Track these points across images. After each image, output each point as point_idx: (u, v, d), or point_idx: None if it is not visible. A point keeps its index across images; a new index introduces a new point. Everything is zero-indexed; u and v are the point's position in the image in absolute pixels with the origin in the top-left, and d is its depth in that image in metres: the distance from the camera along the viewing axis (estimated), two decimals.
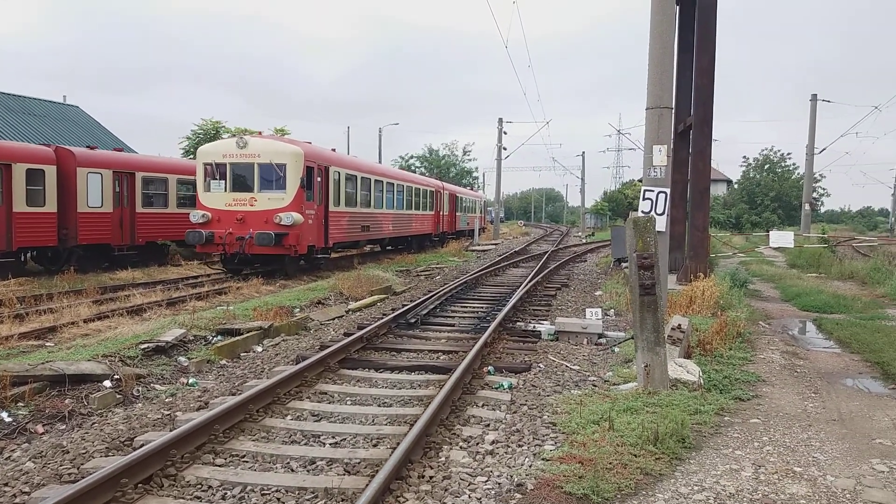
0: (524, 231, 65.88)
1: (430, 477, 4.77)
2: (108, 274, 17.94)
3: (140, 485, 4.53)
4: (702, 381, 6.79)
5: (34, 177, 16.86)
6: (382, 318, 10.78)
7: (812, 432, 5.73)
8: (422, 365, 8.14)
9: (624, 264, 17.93)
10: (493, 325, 9.82)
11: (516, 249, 32.07)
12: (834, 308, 12.79)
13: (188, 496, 4.52)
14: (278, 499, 4.49)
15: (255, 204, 17.25)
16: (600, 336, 9.77)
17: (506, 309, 11.35)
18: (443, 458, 5.13)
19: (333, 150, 21.69)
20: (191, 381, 7.76)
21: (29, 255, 18.40)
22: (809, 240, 29.33)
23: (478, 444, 5.47)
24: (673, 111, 10.60)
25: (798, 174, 66.59)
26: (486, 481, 4.67)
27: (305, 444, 5.54)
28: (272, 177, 17.27)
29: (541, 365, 8.26)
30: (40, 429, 6.01)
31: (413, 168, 74.27)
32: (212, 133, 36.20)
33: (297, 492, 4.57)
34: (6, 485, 4.69)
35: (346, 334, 9.86)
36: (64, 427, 6.12)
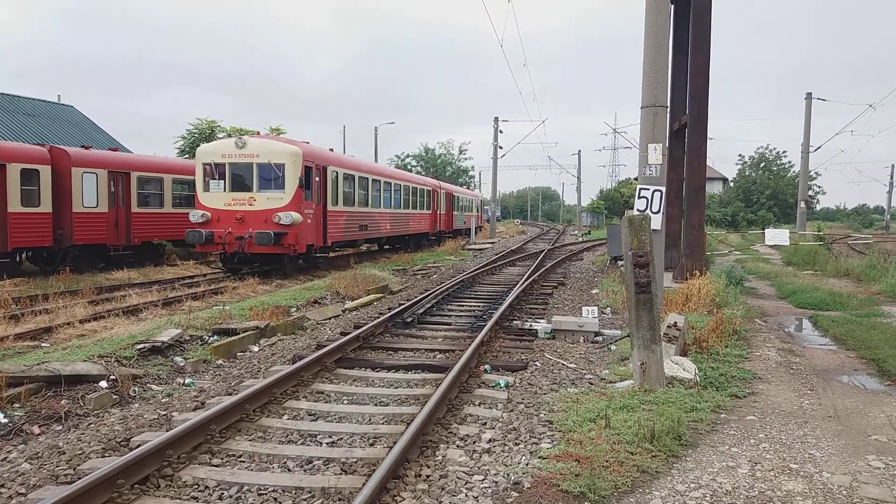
0: (521, 230, 65.92)
1: (427, 476, 4.77)
2: (103, 274, 17.91)
3: (136, 485, 4.53)
4: (698, 378, 6.81)
5: (29, 177, 16.80)
6: (379, 318, 10.77)
7: (808, 429, 5.75)
8: (418, 364, 8.14)
9: (620, 262, 17.94)
10: (489, 323, 9.82)
11: (513, 248, 32.08)
12: (830, 305, 12.83)
13: (185, 497, 4.51)
14: (275, 499, 4.49)
15: (254, 203, 17.33)
16: (597, 334, 9.78)
17: (502, 307, 11.36)
18: (440, 457, 5.13)
19: (331, 149, 21.75)
20: (187, 381, 7.75)
21: (24, 255, 18.35)
22: (805, 237, 29.41)
23: (475, 442, 5.47)
24: (668, 110, 10.61)
25: (794, 172, 66.72)
26: (483, 480, 4.68)
27: (302, 443, 5.54)
28: (271, 176, 17.37)
29: (537, 363, 8.27)
30: (36, 430, 6.00)
31: (409, 167, 74.26)
32: (207, 132, 36.12)
33: (293, 491, 4.57)
34: (2, 486, 4.67)
35: (343, 333, 9.85)
36: (60, 428, 6.11)
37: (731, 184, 76.98)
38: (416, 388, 7.20)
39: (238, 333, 9.84)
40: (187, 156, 34.82)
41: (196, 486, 4.65)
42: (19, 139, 25.70)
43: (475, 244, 37.13)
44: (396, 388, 7.26)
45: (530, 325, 10.37)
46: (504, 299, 12.78)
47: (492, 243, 38.83)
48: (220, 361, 8.80)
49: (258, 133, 20.41)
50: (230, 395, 6.80)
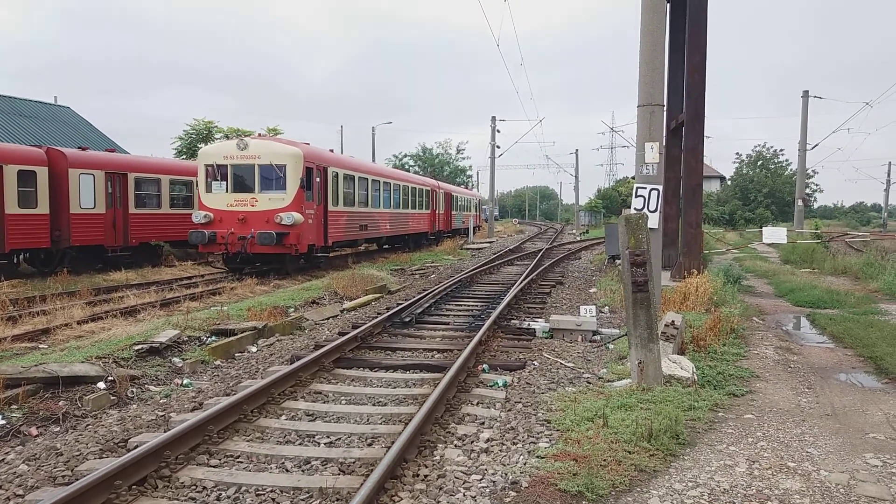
0: (519, 229, 65.95)
1: (425, 476, 4.77)
2: (101, 275, 17.89)
3: (134, 486, 4.52)
4: (696, 377, 6.82)
5: (26, 178, 16.77)
6: (377, 318, 10.77)
7: (806, 427, 5.75)
8: (416, 363, 8.14)
9: (618, 261, 17.95)
10: (487, 323, 9.82)
11: (511, 247, 32.10)
12: (827, 303, 12.85)
13: (183, 497, 4.51)
14: (273, 499, 4.48)
15: (255, 204, 17.48)
16: (595, 333, 9.78)
17: (500, 307, 11.36)
18: (438, 457, 5.13)
19: (331, 150, 21.85)
20: (185, 381, 7.74)
21: (21, 256, 18.30)
22: (803, 235, 29.46)
23: (472, 442, 5.47)
24: (665, 108, 10.62)
25: (791, 170, 66.85)
26: (481, 479, 4.68)
27: (300, 443, 5.54)
28: (272, 177, 17.53)
29: (535, 362, 8.27)
30: (34, 431, 5.99)
31: (407, 167, 74.28)
32: (204, 133, 36.10)
33: (291, 492, 4.56)
34: (0, 488, 4.67)
35: (341, 333, 9.85)
36: (58, 429, 6.10)
37: (729, 182, 77.09)
38: (415, 387, 7.20)
39: (236, 334, 9.83)
40: (185, 156, 34.80)
41: (194, 487, 4.65)
42: (16, 141, 25.64)
43: (473, 244, 37.14)
44: (394, 387, 7.26)
45: (528, 325, 10.37)
46: (502, 299, 12.78)
47: (490, 243, 38.84)
48: (218, 362, 8.80)
49: (260, 134, 20.62)
50: (228, 395, 6.79)
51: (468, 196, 48.88)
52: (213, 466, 5.01)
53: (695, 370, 6.96)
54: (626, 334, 7.22)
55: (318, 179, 18.84)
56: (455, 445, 5.41)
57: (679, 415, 5.56)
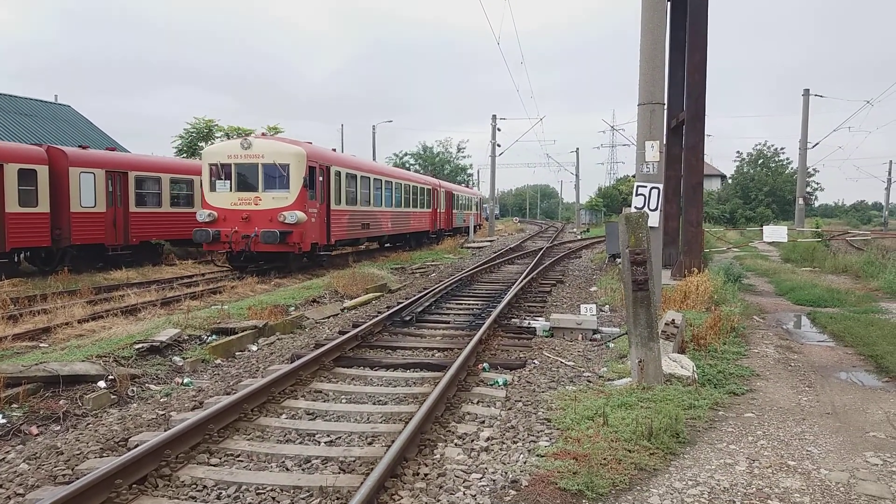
0: (519, 228, 65.95)
1: (425, 474, 4.77)
2: (102, 274, 17.90)
3: (135, 485, 4.52)
4: (696, 375, 6.82)
5: (26, 177, 16.78)
6: (377, 316, 10.78)
7: (806, 426, 5.75)
8: (417, 362, 8.14)
9: (618, 260, 17.95)
10: (487, 321, 9.82)
11: (511, 246, 32.09)
12: (828, 302, 12.84)
13: (183, 496, 4.51)
14: (273, 498, 4.49)
15: (259, 203, 17.62)
16: (595, 332, 9.78)
17: (501, 306, 11.36)
18: (438, 456, 5.13)
19: (334, 149, 21.96)
20: (185, 380, 7.75)
21: (22, 255, 18.32)
22: (803, 234, 29.45)
23: (473, 441, 5.47)
24: (665, 107, 10.61)
25: (791, 169, 66.84)
26: (481, 478, 4.68)
27: (300, 442, 5.54)
28: (276, 176, 17.70)
29: (536, 361, 8.27)
30: (35, 430, 6.00)
31: (407, 166, 74.30)
32: (205, 132, 36.10)
33: (291, 491, 4.57)
34: (1, 486, 4.68)
35: (341, 332, 9.85)
36: (58, 428, 6.11)
37: (730, 181, 77.08)
38: (415, 386, 7.20)
39: (236, 333, 9.84)
40: (185, 155, 34.81)
41: (194, 486, 4.65)
42: (16, 139, 25.66)
43: (474, 242, 37.14)
44: (395, 386, 7.26)
45: (529, 323, 10.37)
46: (502, 297, 12.78)
47: (490, 241, 38.84)
48: (218, 361, 8.80)
49: (263, 134, 20.76)
50: (228, 394, 6.80)
51: (469, 195, 48.89)
52: (214, 465, 5.02)
53: (695, 369, 6.96)
54: (626, 333, 7.22)
55: (321, 178, 18.96)
56: (455, 444, 5.41)
57: (679, 413, 5.56)
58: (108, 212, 19.27)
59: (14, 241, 16.53)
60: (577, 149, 70.24)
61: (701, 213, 14.83)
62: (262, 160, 17.66)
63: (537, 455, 4.98)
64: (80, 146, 20.29)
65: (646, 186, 10.06)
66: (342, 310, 13.02)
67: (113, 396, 6.99)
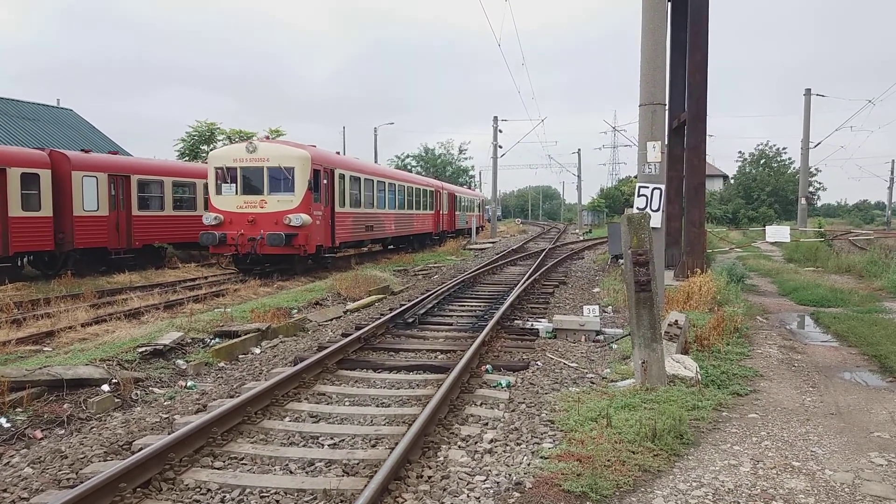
0: (521, 229, 65.92)
1: (429, 477, 4.77)
2: (105, 278, 17.93)
3: (139, 489, 4.53)
4: (699, 376, 6.81)
5: (29, 181, 16.82)
6: (380, 318, 10.78)
7: (810, 426, 5.74)
8: (420, 364, 8.14)
9: (621, 261, 17.94)
10: (490, 323, 9.82)
11: (514, 247, 32.08)
12: (831, 302, 12.81)
13: (187, 499, 4.52)
14: (277, 501, 4.49)
15: (265, 206, 17.80)
16: (598, 333, 9.78)
17: (503, 307, 11.36)
18: (441, 458, 5.13)
19: (338, 152, 22.12)
20: (189, 383, 7.76)
21: (25, 259, 18.35)
22: (806, 234, 29.40)
23: (476, 443, 5.47)
24: (666, 108, 10.61)
25: (794, 168, 66.80)
26: (485, 480, 4.68)
27: (304, 445, 5.54)
28: (281, 179, 17.90)
29: (539, 363, 8.27)
30: (39, 434, 6.01)
31: (409, 167, 74.38)
32: (206, 135, 36.16)
33: (295, 493, 4.57)
34: (5, 490, 4.68)
35: (344, 335, 9.86)
36: (62, 432, 6.12)
37: (732, 181, 77.00)
38: (418, 388, 7.20)
39: (239, 336, 9.85)
40: (187, 158, 34.87)
41: (198, 489, 4.65)
42: (19, 143, 25.70)
43: (476, 244, 37.13)
44: (398, 389, 7.26)
45: (531, 325, 10.37)
46: (505, 299, 12.78)
47: (493, 243, 38.83)
48: (221, 364, 8.81)
49: (267, 137, 20.93)
50: (232, 397, 6.80)
51: (471, 196, 48.92)
52: (217, 468, 5.02)
53: (698, 370, 6.95)
54: (629, 334, 7.21)
55: (325, 181, 19.11)
56: (459, 446, 5.41)
57: (683, 415, 5.55)
58: (110, 215, 19.31)
59: (17, 245, 16.57)
60: (579, 150, 70.43)
61: (703, 213, 14.81)
62: (268, 163, 17.83)
63: (541, 457, 4.98)
64: (82, 150, 20.34)
65: (648, 187, 10.05)
66: (345, 312, 13.02)
67: (117, 400, 7.00)
